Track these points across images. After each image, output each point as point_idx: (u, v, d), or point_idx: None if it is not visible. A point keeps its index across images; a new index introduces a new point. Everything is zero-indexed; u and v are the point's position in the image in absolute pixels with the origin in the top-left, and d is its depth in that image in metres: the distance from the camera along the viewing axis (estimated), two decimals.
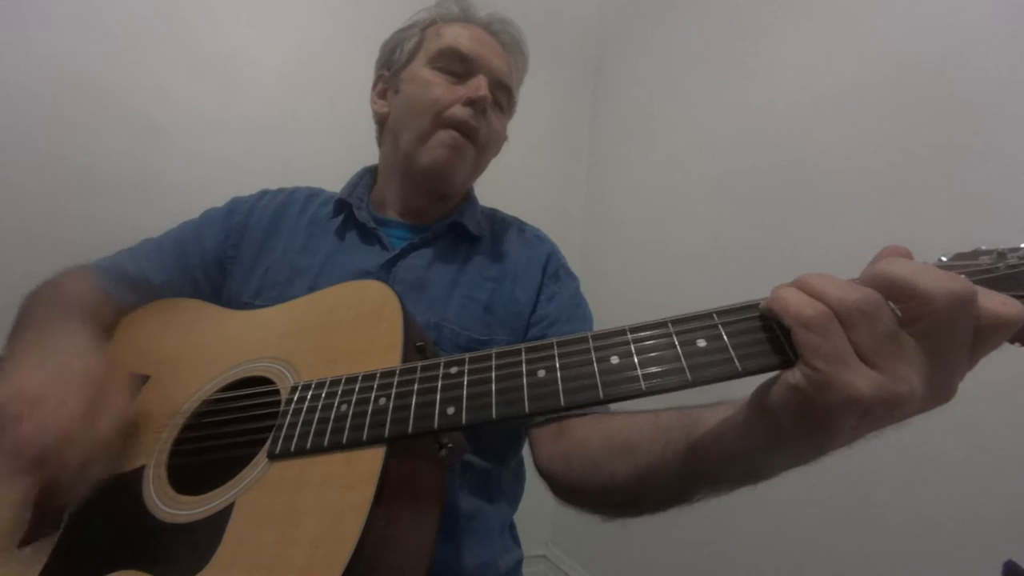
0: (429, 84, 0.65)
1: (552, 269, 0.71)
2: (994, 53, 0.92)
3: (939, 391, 0.28)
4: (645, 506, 0.45)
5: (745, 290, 1.25)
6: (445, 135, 0.64)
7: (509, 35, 0.70)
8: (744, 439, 0.34)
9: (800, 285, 0.30)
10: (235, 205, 0.73)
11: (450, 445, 0.39)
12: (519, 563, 0.66)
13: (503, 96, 0.69)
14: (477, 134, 0.65)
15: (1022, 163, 0.87)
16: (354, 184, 0.73)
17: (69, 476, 0.41)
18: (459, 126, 0.64)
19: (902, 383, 0.27)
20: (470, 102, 0.63)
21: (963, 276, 0.28)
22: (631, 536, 1.55)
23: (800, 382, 0.28)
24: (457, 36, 0.66)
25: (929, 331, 0.27)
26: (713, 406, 0.40)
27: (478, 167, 0.71)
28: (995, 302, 0.27)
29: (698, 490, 0.40)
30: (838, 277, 0.30)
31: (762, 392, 0.32)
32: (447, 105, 0.64)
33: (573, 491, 0.53)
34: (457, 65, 0.66)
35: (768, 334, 0.30)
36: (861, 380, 0.27)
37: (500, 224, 0.75)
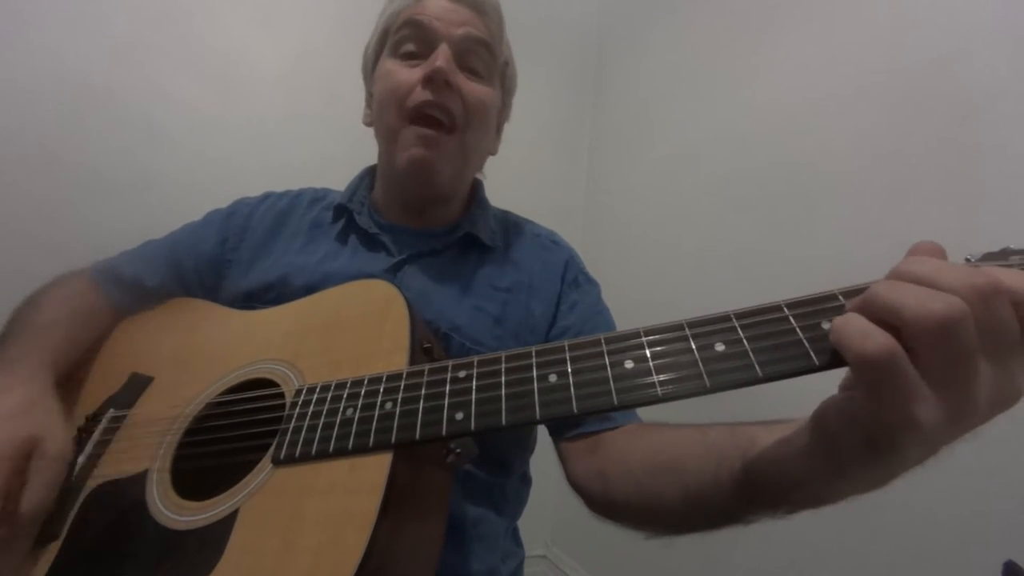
0: (389, 74, 0.60)
1: (571, 277, 0.67)
2: (994, 53, 0.92)
3: (1007, 395, 0.25)
4: (695, 527, 0.42)
5: (746, 289, 1.25)
6: (411, 133, 0.58)
7: None
8: (807, 466, 0.31)
9: (871, 298, 0.26)
10: (237, 208, 0.71)
11: (458, 450, 0.38)
12: (520, 564, 0.66)
13: (479, 58, 0.61)
14: (449, 113, 0.58)
15: (1023, 163, 0.88)
16: (354, 188, 0.70)
17: None
18: (422, 113, 0.58)
19: (968, 402, 0.24)
20: (428, 80, 0.57)
21: (983, 266, 0.26)
22: (631, 536, 1.55)
23: (859, 414, 0.26)
24: (412, 8, 0.60)
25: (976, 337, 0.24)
26: (769, 425, 0.37)
27: (465, 153, 0.62)
28: None
29: (755, 514, 0.37)
30: (918, 279, 0.25)
31: (822, 418, 0.30)
32: (407, 92, 0.58)
33: (614, 510, 0.50)
34: (417, 41, 0.59)
35: (791, 338, 0.29)
36: (926, 411, 0.24)
37: (513, 229, 0.71)
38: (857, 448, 0.28)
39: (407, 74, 0.59)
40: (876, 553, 0.99)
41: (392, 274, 0.62)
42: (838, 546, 1.05)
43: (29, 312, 0.59)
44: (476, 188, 0.72)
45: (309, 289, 0.57)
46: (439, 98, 0.57)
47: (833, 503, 0.32)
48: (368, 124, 0.68)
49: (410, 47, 0.60)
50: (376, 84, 0.63)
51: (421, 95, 0.57)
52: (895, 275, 0.27)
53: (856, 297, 0.27)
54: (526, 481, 0.68)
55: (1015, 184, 0.88)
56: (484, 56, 0.62)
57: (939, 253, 0.28)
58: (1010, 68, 0.90)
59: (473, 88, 0.60)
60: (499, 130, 0.71)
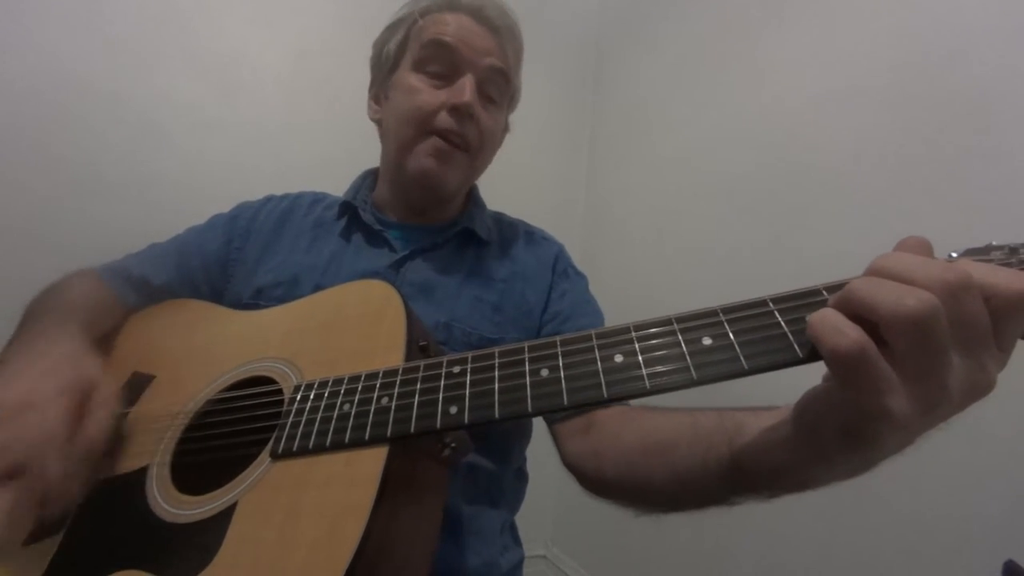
0: (413, 91, 0.62)
1: (561, 268, 0.72)
2: (995, 53, 0.92)
3: (978, 386, 0.26)
4: (683, 508, 0.44)
5: (745, 288, 1.25)
6: (428, 143, 0.62)
7: (498, 18, 0.64)
8: (792, 453, 0.33)
9: (847, 295, 0.27)
10: (240, 210, 0.73)
11: (453, 444, 0.39)
12: (520, 563, 0.66)
13: (497, 87, 0.66)
14: (466, 140, 0.63)
15: (1022, 163, 0.88)
16: (357, 187, 0.73)
17: (50, 486, 0.39)
18: (444, 135, 0.62)
19: (941, 393, 0.25)
20: (454, 109, 0.61)
21: (956, 259, 0.28)
22: (631, 536, 1.55)
23: (836, 404, 0.27)
24: (440, 27, 0.62)
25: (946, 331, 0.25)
26: (756, 411, 0.38)
27: (474, 169, 0.68)
28: (1004, 278, 0.26)
29: (741, 497, 0.39)
30: (893, 275, 0.26)
31: (802, 407, 0.31)
32: (431, 113, 0.61)
33: (606, 488, 0.52)
34: (442, 63, 0.62)
35: (775, 331, 0.30)
36: (899, 402, 0.25)
37: (507, 228, 0.75)
38: (835, 436, 0.29)
39: (431, 95, 0.62)
40: (876, 553, 0.99)
41: (395, 269, 0.64)
42: (838, 546, 1.05)
43: (50, 298, 0.59)
44: (472, 189, 0.76)
45: (318, 288, 0.58)
46: (461, 128, 0.62)
47: (815, 488, 0.34)
48: (374, 119, 0.70)
49: (435, 67, 0.63)
50: (395, 92, 0.66)
51: (445, 121, 0.61)
52: (872, 271, 0.28)
53: (836, 293, 0.28)
54: (522, 476, 0.70)
55: (1014, 184, 0.88)
56: (501, 85, 0.66)
57: (925, 247, 0.28)
58: (1010, 68, 0.90)
59: (489, 119, 0.65)
60: (499, 144, 0.75)
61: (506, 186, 1.08)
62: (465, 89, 0.60)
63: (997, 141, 0.91)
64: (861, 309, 0.26)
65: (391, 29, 0.68)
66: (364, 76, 0.73)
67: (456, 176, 0.65)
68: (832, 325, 0.26)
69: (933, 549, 0.92)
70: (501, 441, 0.62)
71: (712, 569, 1.33)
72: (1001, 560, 0.72)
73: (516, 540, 0.67)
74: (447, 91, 0.61)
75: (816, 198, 1.20)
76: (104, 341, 0.61)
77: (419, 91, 0.62)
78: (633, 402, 0.55)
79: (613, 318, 0.69)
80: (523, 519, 0.69)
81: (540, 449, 0.68)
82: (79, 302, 0.59)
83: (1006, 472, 0.84)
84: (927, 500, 0.93)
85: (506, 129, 0.75)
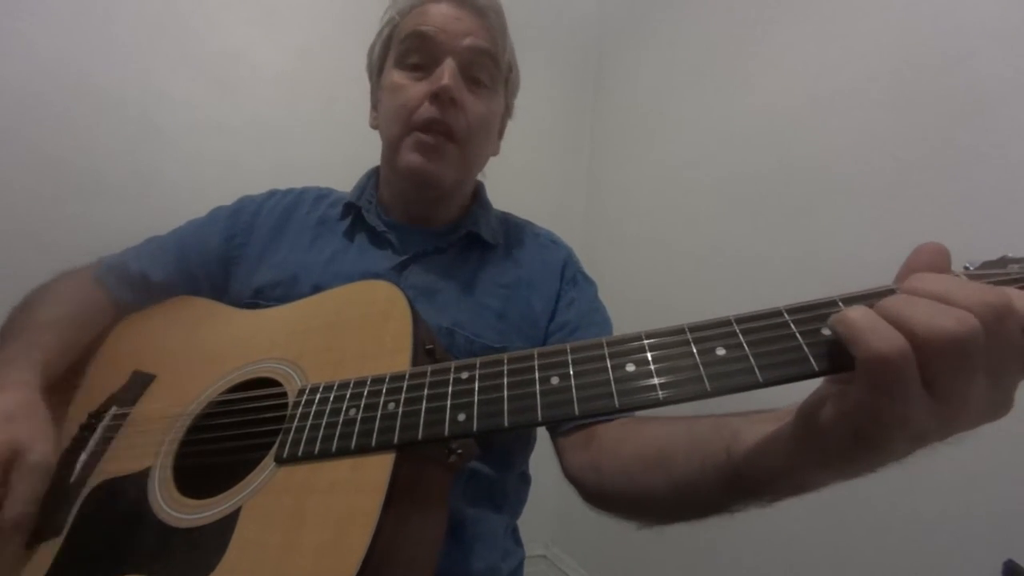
0: (396, 88, 0.61)
1: (570, 274, 0.69)
2: (996, 53, 0.92)
3: (997, 407, 0.26)
4: (683, 518, 0.44)
5: (745, 289, 1.26)
6: (411, 139, 0.60)
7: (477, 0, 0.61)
8: (791, 458, 0.32)
9: (883, 310, 0.26)
10: (242, 204, 0.72)
11: (459, 450, 0.39)
12: (521, 563, 0.66)
13: (484, 69, 0.62)
14: (450, 129, 0.60)
15: (1022, 164, 0.88)
16: (362, 187, 0.72)
17: None
18: (427, 126, 0.59)
19: (962, 411, 0.25)
20: (434, 96, 0.58)
21: (993, 283, 0.27)
22: (631, 536, 1.55)
23: (851, 410, 0.27)
24: (418, 19, 0.60)
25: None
26: (751, 417, 0.38)
27: (467, 161, 0.64)
28: None
29: (740, 503, 0.38)
30: (931, 295, 0.25)
31: (810, 412, 0.30)
32: (414, 107, 0.59)
33: (607, 500, 0.51)
34: (422, 53, 0.60)
35: (790, 343, 0.29)
36: (920, 414, 0.25)
37: (514, 229, 0.73)
38: (843, 442, 0.28)
39: (413, 89, 0.60)
40: (876, 553, 1.00)
41: (398, 272, 0.63)
42: (838, 546, 1.06)
43: (26, 312, 0.58)
44: (478, 189, 0.74)
45: (317, 288, 0.57)
46: (444, 116, 0.59)
47: (813, 491, 0.33)
48: (374, 127, 0.69)
49: (415, 59, 0.61)
50: (383, 93, 0.64)
51: (427, 111, 0.59)
52: (907, 291, 0.26)
53: (869, 303, 0.27)
54: (525, 480, 0.69)
55: (1014, 185, 0.88)
56: (488, 66, 0.63)
57: (943, 254, 0.28)
58: (1012, 68, 0.90)
59: (477, 105, 0.62)
60: (501, 131, 0.72)
61: (506, 187, 1.07)
62: (444, 73, 0.58)
63: (997, 141, 0.91)
64: (895, 323, 0.25)
65: (378, 34, 0.66)
66: (363, 75, 0.72)
67: (448, 170, 0.62)
68: (872, 325, 0.25)
69: (933, 549, 0.92)
70: (502, 448, 0.61)
71: (712, 569, 1.34)
72: (1001, 560, 0.72)
73: (517, 542, 0.67)
74: (429, 82, 0.59)
75: (816, 198, 1.20)
76: (93, 347, 0.61)
77: (402, 87, 0.61)
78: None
79: (614, 318, 0.69)
80: (524, 519, 0.69)
81: (541, 450, 0.67)
82: (55, 316, 0.58)
83: (1006, 472, 0.84)
84: (927, 500, 0.93)
85: (508, 114, 0.72)
